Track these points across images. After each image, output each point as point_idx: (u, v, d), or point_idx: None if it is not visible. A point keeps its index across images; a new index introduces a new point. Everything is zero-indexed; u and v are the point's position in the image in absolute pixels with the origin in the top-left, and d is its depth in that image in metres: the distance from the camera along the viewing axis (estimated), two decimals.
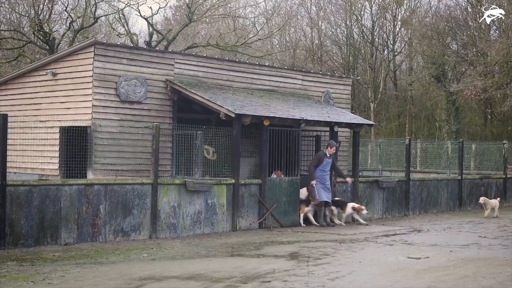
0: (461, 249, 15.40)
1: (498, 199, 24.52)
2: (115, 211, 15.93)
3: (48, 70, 20.21)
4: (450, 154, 31.68)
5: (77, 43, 24.98)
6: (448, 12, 46.67)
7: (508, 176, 28.94)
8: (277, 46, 55.67)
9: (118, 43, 24.20)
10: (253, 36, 45.97)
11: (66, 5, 39.38)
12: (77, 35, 39.41)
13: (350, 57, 52.84)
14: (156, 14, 45.90)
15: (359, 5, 51.70)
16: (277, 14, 52.70)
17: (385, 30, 52.40)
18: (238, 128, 18.72)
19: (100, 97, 18.88)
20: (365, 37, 51.96)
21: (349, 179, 20.78)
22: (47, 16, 38.93)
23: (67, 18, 40.28)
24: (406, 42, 53.24)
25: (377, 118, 49.66)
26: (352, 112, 26.85)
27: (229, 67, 22.16)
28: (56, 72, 20.10)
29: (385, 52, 52.68)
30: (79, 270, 12.03)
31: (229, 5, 46.98)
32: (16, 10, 41.33)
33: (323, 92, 25.16)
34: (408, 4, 51.66)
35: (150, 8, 58.19)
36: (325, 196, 19.72)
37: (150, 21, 42.21)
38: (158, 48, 36.57)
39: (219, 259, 13.64)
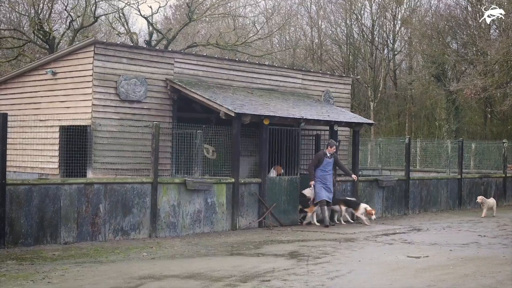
0: (460, 248, 15.40)
1: (492, 199, 24.50)
2: (115, 210, 15.94)
3: (48, 69, 20.22)
4: (450, 153, 31.66)
5: (77, 42, 24.97)
6: (448, 11, 46.63)
7: (507, 175, 28.93)
8: (277, 45, 55.66)
9: (118, 42, 24.21)
10: (253, 35, 45.97)
11: (66, 4, 39.44)
12: (77, 34, 39.42)
13: (350, 56, 52.83)
14: (156, 13, 45.67)
15: (359, 4, 51.70)
16: (277, 13, 52.71)
17: (385, 29, 52.39)
18: (238, 127, 18.72)
19: (100, 96, 18.88)
20: (365, 36, 51.95)
21: (354, 176, 20.74)
22: (47, 15, 38.93)
23: (67, 17, 40.30)
24: (406, 41, 53.21)
25: (377, 117, 49.66)
26: (352, 111, 26.86)
27: (229, 66, 22.17)
28: (56, 71, 20.11)
29: (385, 51, 52.67)
30: (78, 269, 12.04)
31: (229, 4, 46.99)
32: (16, 9, 41.34)
33: (323, 91, 25.17)
34: (408, 3, 51.65)
35: (150, 7, 58.16)
36: (325, 196, 19.68)
37: (150, 20, 42.23)
38: (158, 47, 36.56)
39: (219, 258, 13.64)
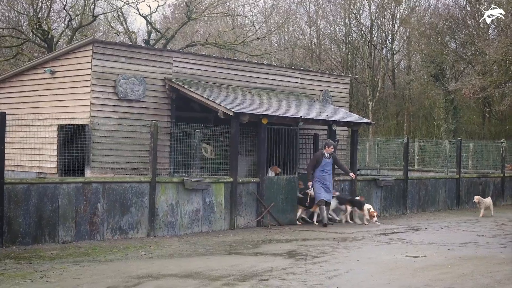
0: (458, 247, 15.41)
1: (489, 197, 24.50)
2: (113, 209, 15.94)
3: (47, 68, 20.23)
4: (448, 152, 31.68)
5: (76, 41, 24.98)
6: (447, 11, 46.64)
7: (506, 175, 28.95)
8: (276, 44, 55.66)
9: (117, 41, 24.23)
10: (252, 34, 45.99)
11: (64, 3, 39.41)
12: (76, 33, 39.40)
13: (349, 56, 52.82)
14: (154, 12, 45.76)
15: (358, 4, 51.68)
16: (275, 12, 52.66)
17: (383, 29, 52.38)
18: (236, 127, 18.72)
19: (99, 95, 18.89)
20: (364, 35, 51.96)
21: (352, 174, 20.70)
22: (45, 14, 38.93)
23: (65, 16, 40.29)
24: (404, 40, 53.20)
25: (375, 116, 49.66)
26: (350, 111, 26.87)
27: (227, 66, 22.18)
28: (55, 70, 20.11)
29: (384, 50, 52.69)
30: (76, 268, 12.03)
31: (227, 3, 46.95)
32: (15, 8, 41.32)
33: (322, 90, 25.18)
34: (406, 2, 51.63)
35: (149, 6, 57.92)
36: (324, 196, 19.63)
37: (148, 19, 42.21)
38: (156, 47, 36.55)
39: (217, 257, 13.64)
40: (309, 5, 54.79)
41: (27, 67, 21.60)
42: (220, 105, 18.72)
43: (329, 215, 20.08)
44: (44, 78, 20.50)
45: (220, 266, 12.47)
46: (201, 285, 10.67)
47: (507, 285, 11.03)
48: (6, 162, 14.38)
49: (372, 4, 51.28)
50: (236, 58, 27.54)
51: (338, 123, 21.62)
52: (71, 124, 19.24)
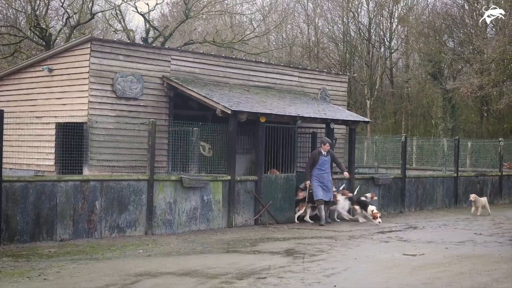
0: (456, 246, 15.42)
1: (485, 198, 24.49)
2: (111, 207, 15.93)
3: (45, 66, 20.21)
4: (446, 151, 31.66)
5: (74, 39, 24.96)
6: (445, 9, 46.67)
7: (504, 173, 28.97)
8: (274, 43, 55.65)
9: (115, 39, 24.24)
10: (250, 33, 45.95)
11: (62, 1, 39.31)
12: (74, 31, 39.33)
13: (347, 54, 52.83)
14: (153, 10, 45.52)
15: (356, 2, 51.68)
16: (274, 11, 52.68)
17: (381, 28, 52.40)
18: (234, 125, 18.72)
19: (96, 93, 18.88)
20: (362, 34, 51.95)
21: (346, 173, 20.62)
22: (43, 12, 38.89)
23: (63, 14, 40.24)
24: (402, 39, 53.23)
25: (373, 115, 49.67)
26: (348, 109, 26.87)
27: (225, 64, 22.18)
28: (52, 68, 20.10)
29: (382, 49, 52.69)
30: (74, 266, 12.03)
31: (226, 1, 46.99)
32: (13, 6, 41.26)
33: (320, 89, 25.19)
34: (405, 1, 51.68)
35: (147, 4, 57.96)
36: (321, 195, 19.58)
37: (146, 17, 42.18)
38: (154, 45, 36.53)
39: (215, 256, 13.65)
40: (307, 4, 54.86)
41: (25, 65, 21.58)
42: (218, 103, 18.72)
43: (340, 216, 20.26)
44: (42, 76, 20.48)
45: (218, 264, 12.47)
46: (198, 283, 10.67)
47: (505, 284, 11.04)
48: (4, 160, 14.38)
49: (370, 2, 51.33)
50: (234, 57, 27.51)
51: (336, 121, 21.63)
52: (69, 122, 19.22)
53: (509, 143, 34.07)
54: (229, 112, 18.35)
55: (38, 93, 20.68)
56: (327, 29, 54.15)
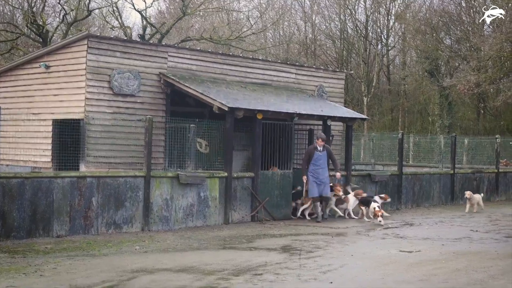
0: (452, 242, 15.45)
1: (482, 194, 24.51)
2: (108, 204, 15.93)
3: (41, 63, 20.18)
4: (443, 148, 31.73)
5: (71, 36, 24.92)
6: (442, 6, 46.71)
7: (500, 170, 29.00)
8: (271, 40, 55.65)
9: (112, 36, 24.20)
10: (247, 30, 45.94)
11: None
12: (71, 28, 39.31)
13: (344, 51, 52.85)
14: (150, 7, 45.85)
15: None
16: (271, 8, 52.67)
17: (378, 25, 52.42)
18: (231, 122, 18.72)
19: (93, 90, 18.87)
20: (359, 31, 51.96)
21: (338, 174, 20.45)
22: (40, 9, 38.83)
23: (60, 10, 40.17)
24: (399, 36, 53.26)
25: (370, 112, 49.69)
26: (345, 106, 26.86)
27: (222, 61, 22.16)
28: (49, 64, 20.07)
29: (379, 46, 52.73)
30: (71, 262, 12.04)
31: None
32: (10, 3, 41.22)
33: (317, 86, 25.18)
34: None
35: (144, 1, 58.05)
36: (316, 192, 19.54)
37: (144, 14, 42.15)
38: (151, 41, 36.51)
39: (211, 252, 13.66)
40: (304, 1, 54.87)
41: (21, 61, 21.54)
42: (215, 100, 18.72)
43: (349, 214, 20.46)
44: (38, 73, 20.45)
45: (215, 260, 12.49)
46: (195, 280, 10.68)
47: (500, 280, 11.06)
48: (0, 157, 14.41)
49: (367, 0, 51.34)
50: (231, 53, 27.49)
51: (333, 118, 21.64)
52: (66, 119, 19.22)
53: (505, 140, 34.13)
54: (226, 109, 18.34)
55: (35, 90, 20.65)
56: (324, 26, 54.19)
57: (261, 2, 54.25)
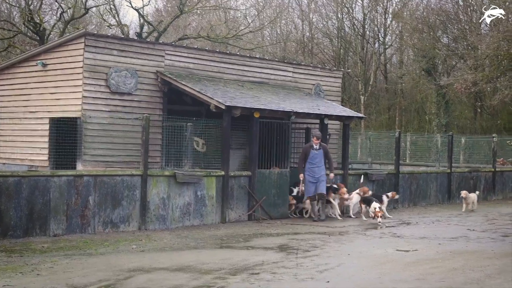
0: (449, 242, 15.45)
1: (477, 192, 24.49)
2: (104, 203, 15.92)
3: (38, 61, 20.16)
4: (440, 147, 31.73)
5: (68, 34, 24.90)
6: (439, 5, 46.70)
7: (497, 169, 29.02)
8: (268, 38, 55.61)
9: (109, 34, 24.20)
10: (244, 28, 45.93)
11: None
12: (68, 26, 39.25)
13: (341, 50, 52.83)
14: (147, 5, 45.75)
15: None
16: (268, 6, 52.62)
17: (376, 23, 52.42)
18: (228, 120, 18.71)
19: (90, 88, 18.85)
20: (356, 29, 51.98)
21: (331, 174, 20.35)
22: (37, 7, 38.79)
23: (57, 8, 40.16)
24: (397, 35, 53.25)
25: (367, 111, 49.71)
26: (342, 105, 26.88)
27: (220, 59, 22.16)
28: (46, 63, 20.05)
29: (376, 45, 52.73)
30: (67, 261, 12.03)
31: None
32: (7, 1, 41.13)
33: (314, 84, 25.19)
34: None
35: None
36: (313, 191, 19.50)
37: (141, 12, 42.11)
38: (148, 40, 36.49)
39: (208, 251, 13.65)
40: None
41: (18, 59, 21.52)
42: (212, 98, 18.71)
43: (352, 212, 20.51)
44: (36, 71, 20.43)
45: (211, 259, 12.48)
46: (192, 279, 10.68)
47: (497, 279, 11.07)
48: None
49: None
50: (228, 52, 27.51)
51: (330, 117, 21.63)
52: (63, 117, 19.21)
53: (502, 139, 34.15)
54: (223, 107, 18.34)
55: (32, 88, 20.62)
56: (321, 25, 54.18)
57: (259, 0, 54.26)
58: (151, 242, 14.63)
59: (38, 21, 37.16)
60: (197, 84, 20.05)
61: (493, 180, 28.66)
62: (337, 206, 20.18)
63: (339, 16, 52.32)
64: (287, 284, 10.53)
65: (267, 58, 29.39)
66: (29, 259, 12.15)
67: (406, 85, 50.70)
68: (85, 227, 15.59)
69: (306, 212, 20.14)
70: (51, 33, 39.60)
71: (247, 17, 50.86)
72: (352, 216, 20.42)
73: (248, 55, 26.32)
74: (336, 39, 53.08)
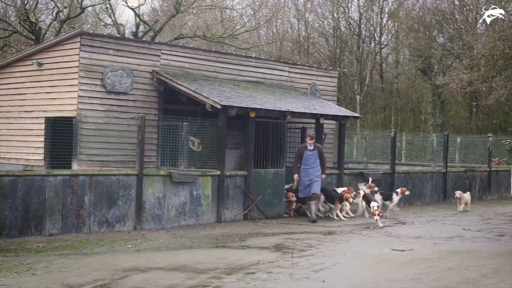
0: (445, 241, 15.47)
1: (468, 193, 24.44)
2: (100, 202, 15.91)
3: (34, 60, 20.13)
4: (435, 147, 31.78)
5: (63, 33, 24.88)
6: (435, 5, 46.75)
7: (492, 169, 29.06)
8: (264, 38, 55.59)
9: (105, 34, 24.15)
10: (240, 27, 45.90)
11: None
12: (64, 25, 39.19)
13: (337, 50, 52.87)
14: (143, 4, 45.71)
15: None
16: (264, 6, 52.64)
17: (372, 23, 52.44)
18: (224, 120, 18.71)
19: (86, 88, 18.84)
20: (352, 29, 52.01)
21: (322, 176, 20.19)
22: (33, 6, 38.72)
23: (53, 8, 40.12)
24: (392, 34, 53.33)
25: (363, 110, 49.74)
26: (338, 105, 26.90)
27: (215, 59, 22.15)
28: (42, 62, 20.03)
29: (372, 44, 52.75)
30: (63, 261, 12.02)
31: None
32: (2, 0, 41.08)
33: (310, 84, 25.20)
34: None
35: None
36: (308, 192, 19.42)
37: (137, 11, 42.07)
38: (144, 39, 36.42)
39: (204, 251, 13.65)
40: None
41: (14, 59, 21.49)
42: (207, 98, 18.71)
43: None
44: (31, 70, 20.40)
45: (207, 259, 12.48)
46: (187, 278, 10.68)
47: (492, 279, 11.08)
48: None
49: None
50: (224, 51, 27.50)
51: (326, 116, 21.65)
52: (59, 117, 19.19)
53: (498, 139, 34.20)
54: (219, 107, 18.34)
55: (28, 88, 20.60)
56: (317, 24, 54.23)
57: (255, 0, 54.26)
58: (147, 242, 14.62)
59: (33, 20, 37.09)
60: (192, 83, 20.04)
61: (489, 179, 28.70)
62: (347, 208, 20.18)
63: (335, 15, 52.37)
64: (283, 283, 10.54)
65: (263, 57, 29.37)
66: (25, 258, 12.14)
67: (402, 85, 50.77)
68: (80, 227, 15.58)
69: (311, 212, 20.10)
70: (47, 32, 39.55)
71: (243, 16, 50.88)
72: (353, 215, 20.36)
73: (244, 54, 26.33)
74: (332, 38, 53.12)
